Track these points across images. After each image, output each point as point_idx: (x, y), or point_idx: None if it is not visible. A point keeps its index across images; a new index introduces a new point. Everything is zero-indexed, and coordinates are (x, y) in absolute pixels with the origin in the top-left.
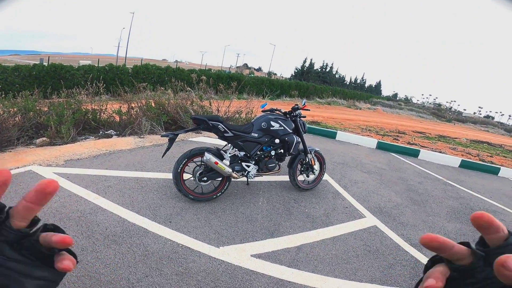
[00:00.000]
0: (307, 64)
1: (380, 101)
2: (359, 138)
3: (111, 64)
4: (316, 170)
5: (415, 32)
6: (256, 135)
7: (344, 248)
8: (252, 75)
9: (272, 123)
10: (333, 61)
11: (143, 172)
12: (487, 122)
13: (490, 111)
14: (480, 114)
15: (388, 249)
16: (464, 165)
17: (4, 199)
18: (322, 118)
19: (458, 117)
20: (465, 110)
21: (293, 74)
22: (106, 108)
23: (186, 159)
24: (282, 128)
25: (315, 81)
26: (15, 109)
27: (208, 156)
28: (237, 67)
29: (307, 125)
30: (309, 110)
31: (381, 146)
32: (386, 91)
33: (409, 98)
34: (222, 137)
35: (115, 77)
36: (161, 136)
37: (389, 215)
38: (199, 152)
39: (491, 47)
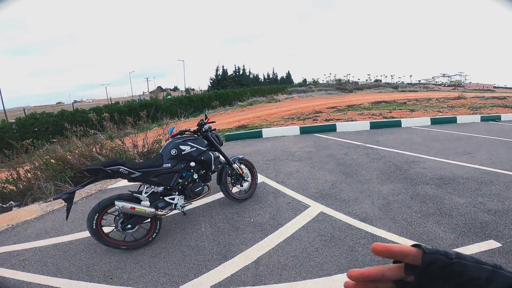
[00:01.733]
0: (220, 72)
1: (294, 89)
2: (284, 129)
3: None
4: (248, 177)
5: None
6: (169, 165)
7: (301, 246)
8: (169, 96)
9: (182, 147)
10: (243, 63)
11: (61, 236)
12: (378, 85)
13: (376, 76)
14: (371, 80)
15: (342, 232)
16: (373, 126)
17: None
18: (248, 119)
19: (357, 87)
20: (359, 79)
21: (210, 85)
22: None
23: (97, 214)
24: (195, 148)
25: (233, 86)
26: None
27: (120, 204)
28: (150, 92)
29: (233, 132)
30: (214, 122)
31: (304, 131)
32: (296, 79)
33: (316, 80)
34: (130, 179)
35: None
36: (53, 199)
37: (330, 196)
38: (109, 202)
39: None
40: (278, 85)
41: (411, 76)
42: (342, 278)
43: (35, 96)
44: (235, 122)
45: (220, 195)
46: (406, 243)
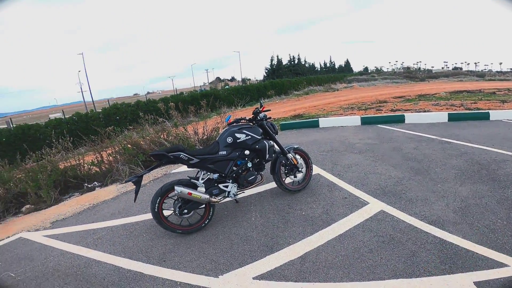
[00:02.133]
0: (275, 62)
1: (354, 77)
2: (342, 119)
3: (78, 113)
4: (302, 167)
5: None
6: (224, 152)
7: (354, 246)
8: (227, 86)
9: (237, 135)
10: (298, 52)
11: (129, 217)
12: (458, 73)
13: (456, 63)
14: (448, 67)
15: (404, 234)
16: (452, 117)
17: (4, 266)
18: (304, 109)
19: (430, 75)
20: (433, 67)
21: (265, 74)
22: (84, 162)
23: (159, 197)
24: (250, 137)
25: (288, 76)
26: None
27: (179, 189)
28: (210, 83)
29: (289, 121)
30: (270, 110)
31: (366, 121)
32: (356, 68)
33: (379, 68)
34: (189, 165)
35: (87, 126)
36: (124, 182)
37: (393, 194)
38: (170, 187)
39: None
40: (336, 74)
41: (501, 63)
42: (396, 284)
43: (117, 88)
44: (290, 111)
45: (273, 185)
46: (486, 252)
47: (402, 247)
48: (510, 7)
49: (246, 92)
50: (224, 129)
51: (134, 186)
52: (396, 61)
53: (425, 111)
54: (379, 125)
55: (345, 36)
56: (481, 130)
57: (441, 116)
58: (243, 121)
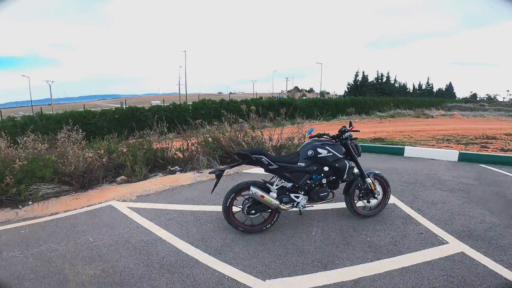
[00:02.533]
0: (359, 78)
1: (456, 104)
2: (434, 151)
3: (174, 103)
4: (378, 194)
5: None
6: (303, 164)
7: (416, 281)
8: (304, 97)
9: (319, 150)
10: (388, 69)
11: (200, 205)
12: None
13: None
14: None
15: (480, 278)
16: None
17: (87, 230)
18: (387, 133)
19: None
20: None
21: (347, 90)
22: (171, 146)
23: (233, 194)
24: (331, 154)
25: (372, 94)
26: (103, 152)
27: (253, 190)
28: (288, 91)
29: (369, 144)
30: (359, 131)
31: (465, 158)
32: (460, 93)
33: (492, 97)
34: (267, 170)
35: (179, 115)
36: (208, 173)
37: (482, 239)
38: (246, 186)
39: None
40: (433, 98)
41: None
42: None
43: (204, 85)
44: (370, 133)
45: (341, 205)
46: None
47: None
48: (510, 7)
49: (324, 106)
50: (306, 142)
51: (212, 178)
52: None
53: None
54: (481, 165)
55: (452, 55)
56: None
57: None
58: (326, 136)
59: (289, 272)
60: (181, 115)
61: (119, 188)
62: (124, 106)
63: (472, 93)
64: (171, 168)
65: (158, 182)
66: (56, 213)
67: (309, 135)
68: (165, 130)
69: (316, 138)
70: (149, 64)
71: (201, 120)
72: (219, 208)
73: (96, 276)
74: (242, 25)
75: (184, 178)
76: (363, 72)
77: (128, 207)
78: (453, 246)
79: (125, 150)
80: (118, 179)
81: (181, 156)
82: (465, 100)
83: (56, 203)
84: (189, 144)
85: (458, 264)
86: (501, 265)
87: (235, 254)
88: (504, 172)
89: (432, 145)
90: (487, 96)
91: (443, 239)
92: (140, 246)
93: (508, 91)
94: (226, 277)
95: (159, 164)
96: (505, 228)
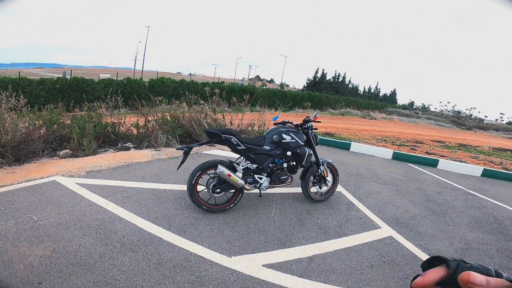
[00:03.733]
0: (319, 75)
1: (396, 110)
2: (374, 149)
3: (128, 78)
4: (329, 182)
5: (433, 37)
6: (268, 147)
7: (358, 259)
8: (264, 87)
9: (284, 135)
10: (345, 70)
11: (159, 183)
12: (510, 128)
13: None
14: (503, 120)
15: (404, 259)
16: (486, 174)
17: (29, 207)
18: (336, 129)
19: (479, 125)
20: (486, 117)
21: (306, 85)
22: (124, 122)
23: (200, 172)
24: (294, 140)
25: (328, 92)
26: (41, 122)
27: (221, 168)
28: (250, 79)
29: (320, 137)
30: (320, 122)
31: (397, 157)
32: (401, 100)
33: (426, 106)
34: (234, 150)
35: (132, 91)
36: (176, 149)
37: (406, 226)
38: (213, 164)
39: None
40: (378, 102)
41: None
42: None
43: (162, 62)
44: (321, 127)
45: (297, 190)
46: None
47: (399, 269)
48: (510, 7)
49: (283, 97)
50: (272, 127)
51: (170, 156)
52: (448, 102)
53: (460, 161)
54: (409, 164)
55: (399, 65)
56: (510, 191)
57: (475, 170)
58: (290, 124)
59: (252, 249)
60: (135, 91)
61: (63, 162)
62: (68, 76)
63: (410, 101)
64: (124, 145)
65: (110, 158)
66: None
67: (274, 122)
68: (120, 104)
69: (281, 125)
70: (100, 36)
71: (162, 97)
72: (180, 186)
73: (47, 257)
74: (209, 7)
75: (140, 155)
76: (323, 70)
77: (77, 183)
78: (384, 230)
79: (68, 122)
80: (61, 152)
81: (135, 133)
82: (404, 107)
83: None
84: (147, 120)
85: (388, 246)
86: (419, 249)
87: (199, 232)
88: (426, 172)
89: (372, 143)
90: (422, 105)
91: (377, 224)
92: (95, 225)
93: (440, 102)
94: (193, 254)
95: (109, 139)
96: (423, 218)
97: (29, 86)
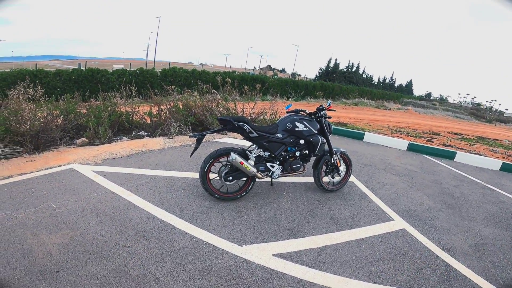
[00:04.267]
0: (331, 64)
1: (412, 101)
2: (389, 139)
3: (141, 68)
4: (342, 172)
5: (451, 28)
6: (281, 135)
7: (369, 251)
8: (276, 76)
9: (297, 123)
10: (359, 60)
11: (172, 171)
12: None
13: None
14: None
15: (417, 253)
16: (505, 168)
17: (48, 195)
18: (349, 119)
19: (500, 118)
20: (507, 110)
21: (318, 74)
22: (138, 110)
23: (212, 159)
24: (307, 129)
25: (341, 82)
26: (58, 112)
27: (234, 156)
28: (261, 68)
29: (333, 126)
30: (335, 110)
31: (412, 148)
32: (418, 91)
33: (444, 97)
34: (247, 137)
35: (145, 80)
36: (189, 137)
37: (419, 219)
38: (225, 152)
39: None
40: (393, 92)
41: None
42: None
43: (173, 52)
44: (334, 117)
45: (309, 179)
46: (481, 282)
47: (411, 262)
48: (510, 7)
49: (294, 87)
50: (285, 115)
51: (183, 143)
52: (468, 94)
53: (479, 154)
54: (425, 156)
55: (417, 53)
56: None
57: (494, 164)
58: (303, 113)
59: (263, 239)
60: (148, 81)
61: (80, 150)
62: (83, 68)
63: (427, 92)
64: (138, 133)
65: (125, 146)
66: (9, 177)
67: (287, 110)
68: (133, 93)
69: (294, 113)
70: (113, 28)
71: (174, 86)
72: (192, 174)
73: (65, 245)
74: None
75: (153, 143)
76: (336, 60)
77: (94, 171)
78: (397, 223)
79: (85, 111)
80: (78, 141)
81: (148, 121)
82: (420, 98)
83: (8, 166)
84: (160, 109)
85: (401, 239)
86: (433, 243)
87: (211, 220)
88: (443, 164)
89: (387, 134)
90: (439, 96)
91: (390, 216)
92: (111, 212)
93: (459, 94)
94: (205, 242)
95: (124, 127)
96: (438, 211)
97: (46, 77)
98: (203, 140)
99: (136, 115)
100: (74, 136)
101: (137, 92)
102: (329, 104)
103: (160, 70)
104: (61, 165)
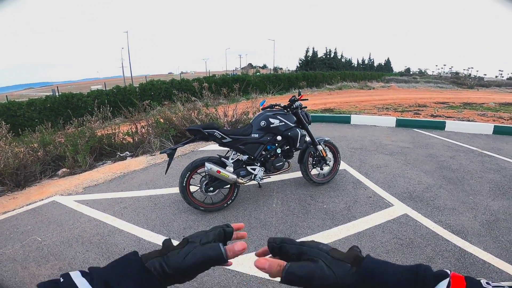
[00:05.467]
0: (310, 54)
1: (393, 77)
2: (376, 118)
3: (117, 86)
4: (330, 161)
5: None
6: (256, 135)
7: (371, 244)
8: (258, 73)
9: (271, 120)
10: (336, 46)
11: (156, 189)
12: None
13: None
14: (503, 77)
15: (424, 240)
16: (498, 131)
17: (32, 229)
18: (336, 104)
19: (480, 83)
20: (485, 75)
21: (298, 65)
22: (118, 131)
23: (189, 172)
24: (283, 123)
25: (322, 69)
26: (36, 145)
27: (209, 166)
28: (242, 68)
29: (319, 114)
30: (307, 99)
31: (401, 123)
32: (397, 68)
33: (423, 71)
34: (221, 144)
35: (124, 99)
36: (160, 153)
37: (421, 200)
38: (201, 163)
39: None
40: (374, 72)
41: None
42: None
43: (152, 65)
44: (321, 104)
45: (298, 174)
46: (503, 266)
47: (420, 251)
48: (510, 7)
49: (277, 81)
50: (259, 113)
51: (166, 159)
52: (444, 65)
53: (468, 121)
54: (415, 129)
55: (390, 33)
56: None
57: (486, 128)
58: (278, 107)
59: (255, 247)
60: (127, 98)
61: (61, 181)
62: (57, 93)
63: (406, 67)
64: (121, 154)
65: (106, 170)
66: None
67: (261, 107)
68: (109, 114)
69: (269, 109)
70: (84, 48)
71: (149, 100)
72: (176, 190)
73: (54, 276)
74: (188, 3)
75: (135, 162)
76: (313, 48)
77: (75, 201)
78: (398, 208)
79: (63, 140)
80: (59, 172)
81: (131, 141)
82: (401, 74)
83: None
84: (138, 127)
85: (404, 226)
86: (440, 226)
87: None
88: (434, 135)
89: (374, 113)
90: (418, 70)
91: (388, 201)
92: (96, 240)
93: (437, 65)
94: None
95: (107, 151)
96: (439, 188)
97: (19, 109)
98: (186, 152)
99: (117, 136)
100: (56, 167)
101: (118, 112)
102: (300, 94)
103: (138, 85)
104: (42, 199)
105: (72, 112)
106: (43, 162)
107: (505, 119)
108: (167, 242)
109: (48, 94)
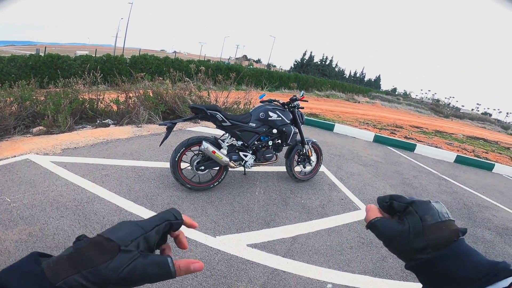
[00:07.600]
0: (307, 57)
1: (379, 95)
2: (357, 131)
3: (108, 54)
4: (313, 162)
5: (418, 27)
6: (254, 125)
7: (339, 240)
8: (251, 66)
9: (270, 113)
10: (333, 54)
11: (141, 161)
12: (484, 118)
13: (488, 108)
14: (478, 110)
15: (381, 242)
16: (459, 160)
17: (1, 188)
18: (321, 110)
19: (456, 113)
20: (463, 106)
21: (293, 66)
22: (103, 98)
23: (184, 148)
24: (280, 118)
25: (315, 74)
26: (12, 99)
27: (206, 145)
28: (236, 58)
29: (305, 117)
30: (307, 101)
31: (378, 140)
32: (385, 86)
33: (408, 93)
34: (220, 126)
35: (112, 68)
36: (159, 125)
37: None
38: (197, 141)
39: (492, 46)
40: (362, 86)
41: None
42: (363, 279)
43: (145, 39)
44: (307, 108)
45: (281, 169)
46: None
47: (376, 251)
48: (510, 7)
49: (269, 77)
50: (259, 105)
51: (153, 132)
52: (429, 90)
53: (436, 147)
54: (389, 147)
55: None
56: (480, 178)
57: (449, 156)
58: (276, 102)
59: (237, 229)
60: (116, 68)
61: (36, 139)
62: (42, 54)
63: (393, 87)
64: (103, 121)
65: (88, 134)
66: None
67: (260, 100)
68: (98, 80)
69: (267, 103)
70: (77, 11)
71: (144, 73)
72: (162, 164)
73: (23, 241)
74: None
75: (120, 131)
76: (311, 53)
77: (52, 161)
78: (363, 212)
79: (42, 98)
80: (34, 129)
81: (115, 109)
82: (387, 92)
83: None
84: (128, 96)
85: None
86: None
87: (183, 211)
88: (404, 155)
89: (355, 126)
90: (404, 92)
91: (357, 205)
92: (73, 206)
93: (421, 90)
94: None
95: (87, 116)
96: None
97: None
98: (174, 129)
99: (102, 103)
100: (30, 124)
101: (103, 79)
102: (302, 95)
103: (130, 57)
104: (15, 156)
105: (56, 74)
106: (17, 117)
107: (468, 151)
108: (81, 245)
109: (31, 53)
